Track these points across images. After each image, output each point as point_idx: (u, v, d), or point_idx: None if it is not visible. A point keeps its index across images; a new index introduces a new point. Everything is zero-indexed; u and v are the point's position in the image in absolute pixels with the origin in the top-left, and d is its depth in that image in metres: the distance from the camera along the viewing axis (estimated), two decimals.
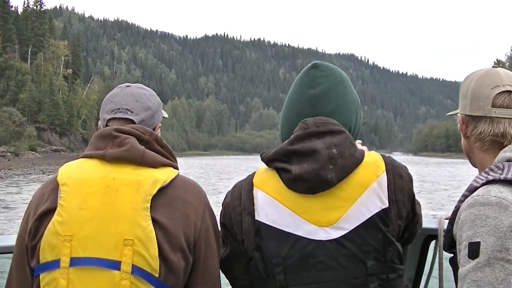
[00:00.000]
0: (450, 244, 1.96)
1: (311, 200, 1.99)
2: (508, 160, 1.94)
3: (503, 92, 1.99)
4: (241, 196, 2.10)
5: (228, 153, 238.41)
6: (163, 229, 2.05)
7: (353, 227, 1.96)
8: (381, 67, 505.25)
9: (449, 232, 1.96)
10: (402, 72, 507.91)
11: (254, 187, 2.08)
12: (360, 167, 2.00)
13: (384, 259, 1.98)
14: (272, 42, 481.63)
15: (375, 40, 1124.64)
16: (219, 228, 2.24)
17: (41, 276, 2.04)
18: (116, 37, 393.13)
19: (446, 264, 2.08)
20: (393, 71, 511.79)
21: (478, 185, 1.87)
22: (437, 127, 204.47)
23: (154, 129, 2.35)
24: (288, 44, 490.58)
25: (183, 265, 2.09)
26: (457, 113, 2.16)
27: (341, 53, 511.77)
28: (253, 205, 2.06)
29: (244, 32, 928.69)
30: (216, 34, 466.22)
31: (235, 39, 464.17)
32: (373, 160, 2.04)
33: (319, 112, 2.09)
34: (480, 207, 1.78)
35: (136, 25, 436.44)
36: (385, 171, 2.03)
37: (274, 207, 2.02)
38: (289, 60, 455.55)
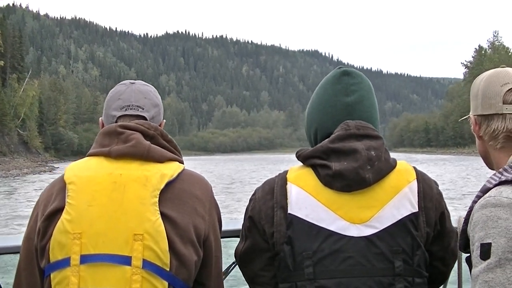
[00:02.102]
0: (466, 244, 1.97)
1: (346, 197, 2.05)
2: None
3: None
4: (274, 191, 2.14)
5: (189, 153, 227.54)
6: (173, 223, 2.06)
7: (384, 226, 2.03)
8: (345, 63, 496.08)
9: (464, 232, 1.97)
10: (367, 68, 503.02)
11: (288, 182, 2.12)
12: (393, 173, 2.09)
13: (412, 261, 2.03)
14: (234, 39, 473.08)
15: (338, 37, 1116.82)
16: (244, 222, 2.26)
17: (52, 275, 2.05)
18: (73, 36, 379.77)
19: (465, 264, 2.09)
20: (358, 67, 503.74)
21: (491, 185, 1.89)
22: (414, 120, 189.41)
23: (160, 125, 2.36)
24: (251, 41, 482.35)
25: (194, 259, 2.10)
26: (469, 116, 2.18)
27: (305, 50, 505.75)
28: (286, 199, 2.09)
29: (206, 29, 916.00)
30: (177, 31, 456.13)
31: (197, 36, 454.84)
32: (405, 168, 2.13)
33: (355, 120, 2.17)
34: (492, 208, 1.79)
35: (95, 23, 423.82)
36: (416, 179, 2.12)
37: (309, 202, 2.06)
38: (252, 57, 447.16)
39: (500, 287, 1.70)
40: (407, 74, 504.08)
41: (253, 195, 2.23)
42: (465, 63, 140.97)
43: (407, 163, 2.18)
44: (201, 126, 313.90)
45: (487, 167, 2.18)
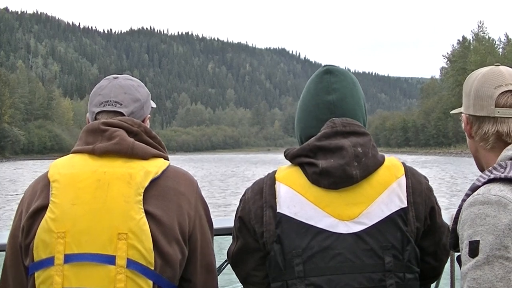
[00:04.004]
0: (455, 243, 1.97)
1: (334, 195, 2.05)
2: (511, 159, 1.95)
3: (506, 91, 2.00)
4: (263, 191, 2.14)
5: None
6: (157, 221, 2.04)
7: (373, 222, 2.02)
8: (313, 62, 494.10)
9: (453, 231, 1.97)
10: None
11: (277, 181, 2.13)
12: (381, 169, 2.09)
13: (402, 257, 2.03)
14: (200, 36, 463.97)
15: (305, 35, 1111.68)
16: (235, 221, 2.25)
17: (36, 274, 2.03)
18: (33, 30, 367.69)
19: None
20: None
21: (480, 183, 1.89)
22: (390, 118, 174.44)
23: (143, 121, 2.33)
24: (217, 38, 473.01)
25: (179, 257, 2.08)
26: (460, 112, 2.16)
27: (272, 48, 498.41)
28: (275, 198, 2.10)
29: (171, 25, 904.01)
30: (142, 27, 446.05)
31: (162, 33, 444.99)
32: (393, 163, 2.13)
33: (339, 117, 2.16)
34: (480, 205, 1.80)
35: (57, 18, 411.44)
36: (404, 174, 2.11)
37: (297, 200, 2.06)
38: (219, 55, 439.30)
39: (488, 284, 1.72)
40: (375, 73, 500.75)
41: (242, 196, 2.22)
42: (447, 55, 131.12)
43: (396, 158, 2.17)
44: (164, 124, 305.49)
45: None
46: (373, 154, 2.08)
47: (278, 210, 2.07)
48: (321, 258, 2.00)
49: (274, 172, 2.18)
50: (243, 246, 2.19)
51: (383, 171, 2.09)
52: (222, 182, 44.37)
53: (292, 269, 2.02)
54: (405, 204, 2.06)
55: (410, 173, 2.14)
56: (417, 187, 2.12)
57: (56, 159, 2.19)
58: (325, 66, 2.27)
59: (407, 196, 2.08)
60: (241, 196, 2.26)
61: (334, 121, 2.12)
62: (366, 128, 2.21)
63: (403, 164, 2.16)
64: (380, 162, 2.09)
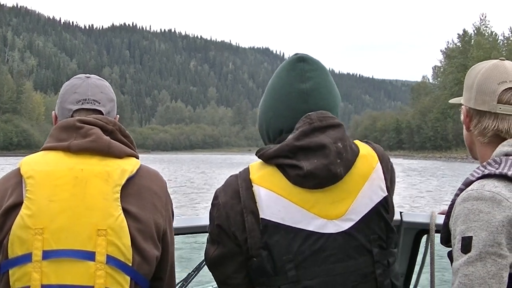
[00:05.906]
0: (447, 238, 1.95)
1: (318, 194, 2.00)
2: (506, 155, 1.94)
3: (510, 88, 1.98)
4: (240, 195, 2.04)
5: None
6: (134, 219, 2.07)
7: (360, 217, 2.01)
8: None
9: (446, 225, 1.96)
10: None
11: (254, 184, 2.03)
12: (358, 160, 2.05)
13: (386, 245, 2.05)
14: (183, 33, 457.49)
15: (290, 35, 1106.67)
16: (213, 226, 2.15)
17: (10, 271, 2.01)
18: (11, 23, 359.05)
19: (438, 259, 2.07)
20: None
21: (474, 179, 1.88)
22: (381, 118, 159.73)
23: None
24: (200, 36, 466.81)
25: (155, 254, 2.12)
26: (460, 103, 2.14)
27: (256, 47, 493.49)
28: (255, 202, 2.01)
29: (154, 22, 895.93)
30: (124, 24, 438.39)
31: (144, 29, 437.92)
32: (366, 151, 2.10)
33: (312, 107, 2.10)
34: (474, 201, 1.79)
35: (37, 12, 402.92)
36: (378, 162, 2.10)
37: (281, 204, 2.00)
38: (201, 53, 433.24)
39: (480, 280, 1.71)
40: (360, 75, 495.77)
41: (215, 199, 2.13)
42: (445, 51, 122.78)
43: (364, 144, 2.15)
44: (144, 122, 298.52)
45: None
46: (351, 147, 2.05)
47: (261, 216, 1.99)
48: (313, 262, 1.98)
49: (247, 172, 2.08)
50: (225, 251, 2.10)
51: (361, 162, 2.06)
52: None
53: (285, 275, 1.98)
54: (386, 193, 2.07)
55: (381, 158, 2.13)
56: (389, 170, 2.15)
57: (23, 155, 2.08)
58: (296, 54, 2.20)
59: (385, 184, 2.09)
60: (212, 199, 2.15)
61: (310, 116, 2.06)
62: (340, 119, 2.14)
63: (372, 147, 2.14)
64: (356, 153, 2.06)
